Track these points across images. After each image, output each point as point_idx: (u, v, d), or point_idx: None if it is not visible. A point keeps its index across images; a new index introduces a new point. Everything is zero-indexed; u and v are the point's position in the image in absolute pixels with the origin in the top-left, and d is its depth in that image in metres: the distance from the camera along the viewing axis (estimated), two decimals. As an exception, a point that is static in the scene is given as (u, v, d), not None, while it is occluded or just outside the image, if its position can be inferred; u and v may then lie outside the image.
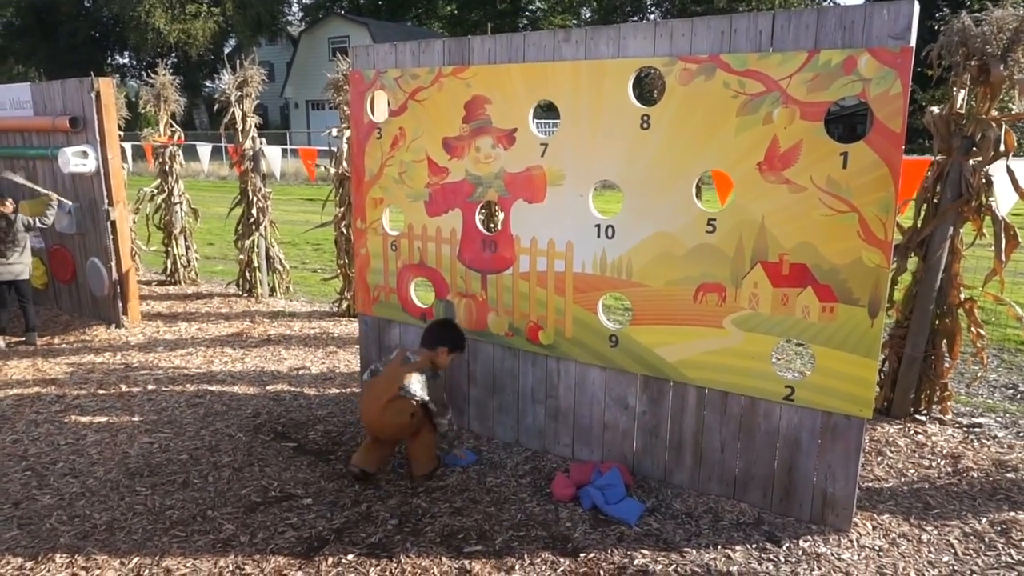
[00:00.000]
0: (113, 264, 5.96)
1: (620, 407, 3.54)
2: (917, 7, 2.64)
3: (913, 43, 2.64)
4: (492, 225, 5.61)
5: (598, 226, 3.40)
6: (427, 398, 3.42)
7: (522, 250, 3.65)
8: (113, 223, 5.91)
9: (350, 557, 2.90)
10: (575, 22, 43.50)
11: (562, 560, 2.88)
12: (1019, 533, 3.08)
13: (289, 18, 45.18)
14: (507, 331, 3.78)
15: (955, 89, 3.90)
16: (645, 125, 3.19)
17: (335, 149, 6.35)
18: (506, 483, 3.50)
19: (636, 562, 2.87)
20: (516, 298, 3.71)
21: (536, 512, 3.24)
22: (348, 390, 4.75)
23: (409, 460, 3.55)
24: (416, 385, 3.39)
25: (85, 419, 4.29)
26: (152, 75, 7.64)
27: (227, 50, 40.22)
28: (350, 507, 3.28)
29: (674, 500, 3.33)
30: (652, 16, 34.81)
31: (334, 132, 6.30)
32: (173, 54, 38.54)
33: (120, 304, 6.13)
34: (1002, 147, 3.80)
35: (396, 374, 3.43)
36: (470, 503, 3.31)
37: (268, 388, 4.80)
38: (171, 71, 7.86)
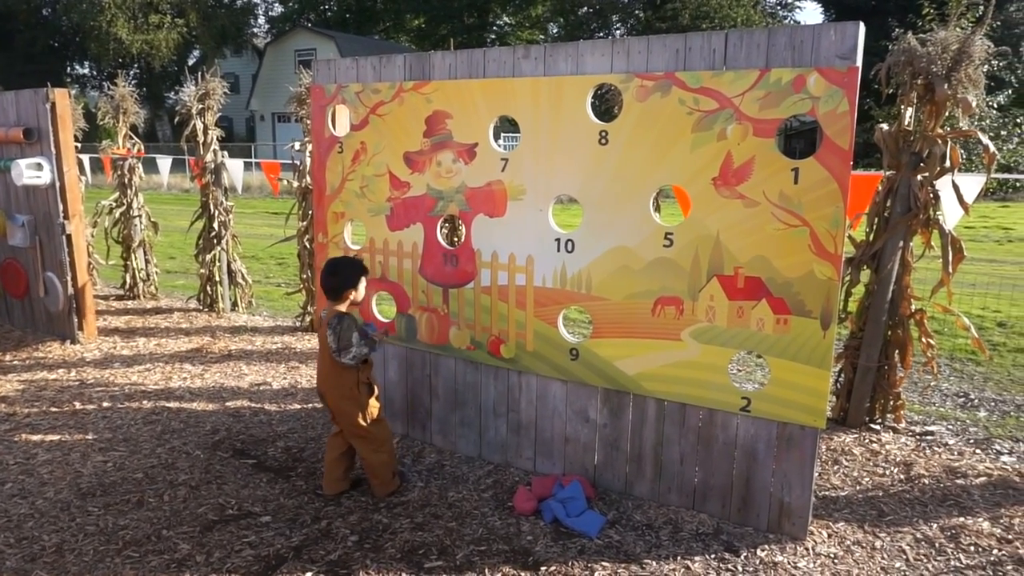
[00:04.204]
0: (69, 279, 5.84)
1: (581, 420, 3.56)
2: (863, 28, 2.73)
3: (859, 63, 2.73)
4: (455, 239, 5.62)
5: (558, 240, 3.43)
6: (352, 347, 3.31)
7: (483, 264, 3.66)
8: (69, 237, 5.79)
9: (308, 575, 2.86)
10: (542, 37, 43.90)
11: (523, 574, 2.88)
12: (968, 538, 3.17)
13: (255, 30, 44.88)
14: (469, 345, 3.78)
15: (903, 107, 4.03)
16: (603, 141, 3.23)
17: (298, 162, 6.31)
18: (468, 497, 3.49)
19: (597, 574, 2.88)
20: (478, 312, 3.72)
21: (498, 526, 3.23)
22: (310, 406, 4.70)
23: (368, 480, 3.53)
24: (347, 342, 3.30)
25: (36, 438, 4.17)
26: (112, 86, 7.53)
27: (191, 61, 39.77)
28: (310, 524, 3.24)
29: (635, 512, 3.35)
30: (618, 32, 35.29)
31: (296, 146, 6.26)
32: (136, 65, 37.96)
33: (76, 319, 5.99)
34: (948, 163, 3.93)
35: (323, 344, 3.37)
36: (431, 518, 3.30)
37: (228, 404, 4.73)
38: (134, 82, 7.76)
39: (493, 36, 44.82)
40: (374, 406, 3.45)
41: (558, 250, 3.43)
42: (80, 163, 7.23)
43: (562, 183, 3.39)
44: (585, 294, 3.40)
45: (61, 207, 5.72)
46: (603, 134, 3.23)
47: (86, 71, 43.68)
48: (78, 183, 5.96)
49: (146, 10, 36.51)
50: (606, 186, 3.26)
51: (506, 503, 3.43)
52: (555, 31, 42.54)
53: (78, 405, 4.69)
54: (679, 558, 3.00)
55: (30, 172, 5.52)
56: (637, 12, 34.60)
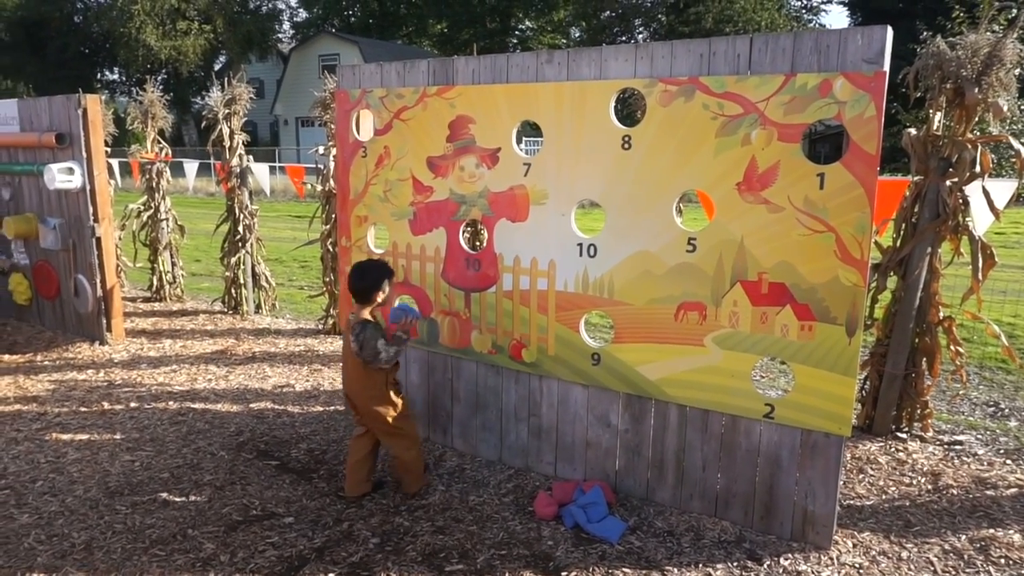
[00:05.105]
0: (98, 281, 5.94)
1: (603, 425, 3.55)
2: (890, 32, 2.70)
3: (887, 67, 2.70)
4: (478, 243, 5.63)
5: (580, 245, 3.43)
6: (380, 354, 3.32)
7: (505, 268, 3.67)
8: (98, 240, 5.89)
9: (330, 576, 2.89)
10: (564, 42, 43.91)
11: (543, 579, 2.88)
12: (998, 550, 3.11)
13: (280, 35, 45.39)
14: (490, 349, 3.79)
15: (932, 111, 3.97)
16: (626, 145, 3.23)
17: (322, 167, 6.37)
18: (489, 501, 3.50)
19: (617, 581, 2.87)
20: (499, 316, 3.73)
21: (518, 531, 3.23)
22: (332, 408, 4.74)
23: (398, 478, 3.56)
24: (372, 350, 3.31)
25: (66, 437, 4.25)
26: (141, 91, 7.66)
27: (217, 67, 40.33)
28: (332, 526, 3.27)
29: (656, 518, 3.34)
30: (640, 36, 35.20)
31: (320, 150, 6.33)
32: (163, 70, 38.60)
33: (104, 321, 6.09)
34: (978, 168, 3.86)
35: (347, 344, 3.43)
36: (452, 522, 3.31)
37: (252, 406, 4.78)
38: (161, 87, 7.89)
39: (515, 40, 44.91)
40: (402, 403, 3.50)
41: (580, 255, 3.43)
42: (110, 167, 7.37)
43: (585, 188, 3.39)
44: (607, 299, 3.39)
45: (91, 210, 5.83)
46: (626, 139, 3.23)
47: (115, 77, 44.51)
48: (108, 187, 6.07)
49: (174, 16, 37.14)
50: (629, 191, 3.26)
51: (527, 508, 3.43)
52: (577, 35, 42.51)
53: (106, 405, 4.77)
54: (701, 565, 2.98)
55: (62, 176, 5.64)
56: (660, 16, 34.49)
